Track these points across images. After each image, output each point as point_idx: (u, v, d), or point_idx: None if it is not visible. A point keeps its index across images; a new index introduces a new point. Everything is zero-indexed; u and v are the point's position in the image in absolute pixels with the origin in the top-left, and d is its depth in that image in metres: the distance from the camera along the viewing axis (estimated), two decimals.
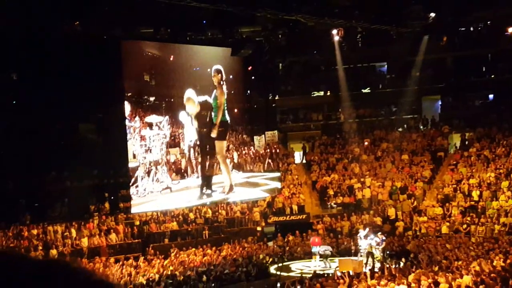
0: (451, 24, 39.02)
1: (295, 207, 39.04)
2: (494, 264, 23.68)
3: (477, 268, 22.68)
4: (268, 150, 35.59)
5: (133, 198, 28.72)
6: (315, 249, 31.78)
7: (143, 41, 31.26)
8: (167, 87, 30.78)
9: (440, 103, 47.40)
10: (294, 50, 39.96)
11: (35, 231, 30.89)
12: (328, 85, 47.14)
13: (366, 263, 29.12)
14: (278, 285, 24.28)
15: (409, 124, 45.96)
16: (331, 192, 40.27)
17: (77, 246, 31.26)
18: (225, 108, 31.35)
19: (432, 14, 36.76)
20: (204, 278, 27.71)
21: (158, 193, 29.42)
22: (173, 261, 30.76)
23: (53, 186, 33.83)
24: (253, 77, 35.91)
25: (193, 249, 33.25)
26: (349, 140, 44.28)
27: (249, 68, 35.14)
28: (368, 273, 24.08)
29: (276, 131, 36.87)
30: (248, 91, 35.62)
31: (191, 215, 36.05)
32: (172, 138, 30.28)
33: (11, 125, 32.15)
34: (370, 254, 29.69)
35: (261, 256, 32.15)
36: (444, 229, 34.82)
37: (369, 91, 47.17)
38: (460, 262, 24.79)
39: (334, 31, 36.56)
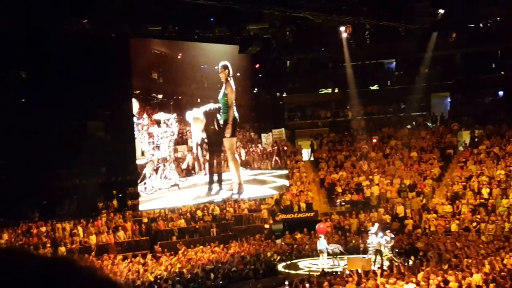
0: (460, 20, 38.80)
1: (303, 205, 38.95)
2: (505, 262, 23.53)
3: (488, 266, 22.54)
4: (276, 147, 35.49)
5: (141, 195, 28.72)
6: (321, 246, 31.63)
7: (151, 39, 31.25)
8: (175, 84, 30.75)
9: (449, 100, 47.21)
10: (302, 47, 39.83)
11: (43, 229, 30.95)
12: (336, 82, 47.04)
13: (374, 261, 28.97)
14: (286, 282, 24.14)
15: (418, 121, 45.78)
16: (339, 189, 40.15)
17: (85, 243, 31.28)
18: (234, 104, 31.26)
19: (441, 11, 36.55)
20: (212, 275, 27.66)
21: (166, 190, 29.40)
22: (180, 258, 30.72)
23: (61, 184, 33.85)
24: (260, 75, 35.79)
25: (201, 246, 33.21)
26: (357, 138, 44.13)
27: (257, 66, 35.03)
28: (379, 271, 23.95)
29: (283, 129, 36.78)
30: (256, 89, 35.50)
31: (199, 213, 36.02)
32: (180, 135, 30.23)
33: (20, 123, 32.14)
34: (378, 252, 29.54)
35: (268, 254, 32.06)
36: (454, 227, 34.63)
37: (377, 88, 47.01)
38: (470, 261, 24.62)
39: (342, 28, 36.40)
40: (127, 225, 33.21)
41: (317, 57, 44.64)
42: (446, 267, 23.72)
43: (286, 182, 36.40)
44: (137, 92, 29.31)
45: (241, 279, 28.22)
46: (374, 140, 44.06)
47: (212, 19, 32.58)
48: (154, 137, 29.03)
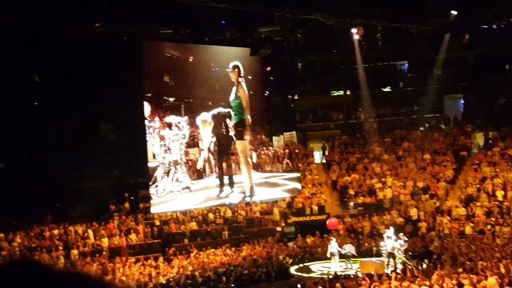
0: (473, 21, 38.56)
1: (315, 207, 38.84)
2: None
3: (503, 269, 22.32)
4: (287, 150, 35.37)
5: (153, 198, 28.66)
6: (333, 249, 31.52)
7: (163, 42, 31.20)
8: (187, 87, 30.69)
9: (462, 101, 46.95)
10: (313, 49, 39.73)
11: (56, 231, 31.01)
12: (348, 84, 46.94)
13: (388, 264, 28.79)
14: (299, 286, 24.05)
15: (431, 123, 45.55)
16: (351, 192, 39.99)
17: (97, 246, 31.30)
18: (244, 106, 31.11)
19: (454, 12, 36.33)
20: (224, 278, 27.58)
21: (177, 193, 29.33)
22: (192, 261, 30.69)
23: (73, 186, 33.92)
24: (271, 77, 35.69)
25: (213, 249, 33.16)
26: (370, 140, 43.96)
27: (268, 69, 34.93)
28: (393, 274, 23.77)
29: (294, 132, 36.66)
30: (267, 91, 35.41)
31: (211, 215, 35.99)
32: (191, 138, 30.17)
33: (32, 126, 32.23)
34: (391, 255, 29.34)
35: (281, 257, 31.95)
36: (468, 230, 34.37)
37: (389, 90, 46.86)
38: (484, 264, 24.38)
39: (354, 30, 36.25)
40: (139, 228, 33.24)
41: (328, 59, 44.55)
42: (460, 270, 23.52)
43: (298, 185, 36.24)
44: (149, 95, 29.28)
45: (253, 282, 28.13)
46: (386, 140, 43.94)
47: (223, 21, 32.49)
48: (165, 140, 28.99)
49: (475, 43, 40.95)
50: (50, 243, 30.04)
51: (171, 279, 27.23)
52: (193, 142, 30.31)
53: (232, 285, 27.37)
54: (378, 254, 30.97)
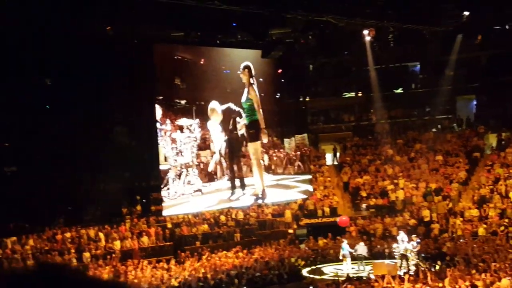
0: (485, 22, 38.37)
1: (327, 209, 38.75)
2: None
3: None
4: (299, 152, 35.33)
5: (165, 201, 28.70)
6: (345, 251, 31.48)
7: (174, 46, 31.25)
8: (198, 90, 30.71)
9: (475, 102, 46.74)
10: (325, 51, 39.65)
11: (68, 234, 31.08)
12: (359, 86, 46.84)
13: (400, 266, 28.71)
14: None
15: (443, 125, 45.38)
16: (363, 194, 39.88)
17: (109, 249, 31.33)
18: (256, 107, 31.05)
19: (466, 13, 36.16)
20: (236, 280, 27.58)
21: (189, 195, 29.35)
22: (204, 263, 30.68)
23: (86, 189, 33.99)
24: (283, 80, 35.67)
25: (225, 251, 33.14)
26: (382, 141, 43.84)
27: (279, 71, 34.91)
28: (406, 276, 23.67)
29: (306, 135, 36.61)
30: (278, 94, 35.38)
31: (222, 218, 35.99)
32: (203, 141, 30.18)
33: (44, 130, 32.35)
34: (404, 256, 29.27)
35: (292, 259, 31.92)
36: (481, 231, 34.19)
37: (401, 91, 46.71)
38: (498, 265, 24.25)
39: (365, 31, 36.16)
40: (151, 231, 33.27)
41: (340, 61, 44.47)
42: (473, 271, 23.41)
43: (309, 187, 36.19)
44: (160, 98, 29.33)
45: (265, 285, 28.15)
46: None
47: (234, 24, 32.49)
48: (177, 142, 29.03)
49: (488, 43, 40.76)
50: (62, 246, 30.13)
51: (183, 282, 27.24)
52: (204, 144, 30.33)
53: (244, 287, 27.36)
54: (391, 256, 30.89)
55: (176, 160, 28.90)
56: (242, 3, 28.51)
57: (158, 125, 28.53)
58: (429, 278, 22.32)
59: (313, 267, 31.46)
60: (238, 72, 30.58)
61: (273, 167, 33.64)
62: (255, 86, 30.73)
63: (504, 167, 38.51)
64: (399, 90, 46.74)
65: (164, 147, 28.70)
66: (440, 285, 21.16)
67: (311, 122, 46.12)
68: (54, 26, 27.56)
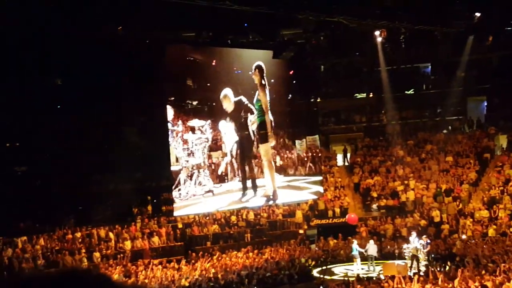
0: (497, 23, 38.27)
1: (337, 210, 38.76)
2: None
3: None
4: (310, 154, 35.38)
5: (176, 201, 28.82)
6: (354, 251, 31.53)
7: (186, 46, 31.34)
8: (209, 91, 30.82)
9: (485, 104, 46.63)
10: (336, 52, 39.68)
11: (78, 234, 31.21)
12: (371, 87, 46.81)
13: (411, 267, 28.73)
14: None
15: (454, 126, 45.33)
16: (374, 194, 39.89)
17: (120, 249, 31.44)
18: (268, 108, 31.10)
19: (477, 14, 36.09)
20: (246, 281, 27.63)
21: (200, 196, 29.45)
22: (215, 264, 30.74)
23: (96, 189, 34.13)
24: (294, 81, 35.72)
25: (235, 252, 33.22)
26: (393, 142, 43.83)
27: (291, 72, 34.97)
28: (416, 277, 23.68)
29: (317, 136, 36.68)
30: (290, 95, 35.43)
31: (233, 218, 36.06)
32: (214, 141, 30.28)
33: (55, 130, 32.52)
34: (415, 257, 29.30)
35: (303, 260, 31.97)
36: (491, 232, 34.18)
37: (412, 92, 46.67)
38: (507, 265, 24.22)
39: (377, 32, 36.16)
40: (161, 231, 33.37)
41: (351, 62, 44.44)
42: (483, 272, 23.39)
43: (320, 188, 36.24)
44: (172, 98, 29.45)
45: (276, 285, 28.19)
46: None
47: (246, 24, 32.57)
48: (188, 143, 29.14)
49: (499, 45, 40.65)
50: (72, 246, 30.26)
51: (193, 282, 27.32)
52: (216, 145, 30.43)
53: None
54: (401, 257, 30.90)
55: (187, 161, 29.02)
56: (254, 4, 28.54)
57: (169, 126, 28.65)
58: (439, 278, 22.32)
59: (324, 268, 31.49)
60: (250, 72, 30.65)
61: (284, 168, 33.72)
62: (266, 88, 30.77)
63: None
64: (410, 91, 46.71)
65: (176, 148, 28.82)
66: (450, 285, 21.15)
67: (322, 123, 46.16)
68: (65, 26, 27.71)
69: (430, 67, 47.75)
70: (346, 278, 26.78)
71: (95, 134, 33.28)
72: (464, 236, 34.25)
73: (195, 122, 29.54)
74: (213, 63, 31.17)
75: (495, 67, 44.83)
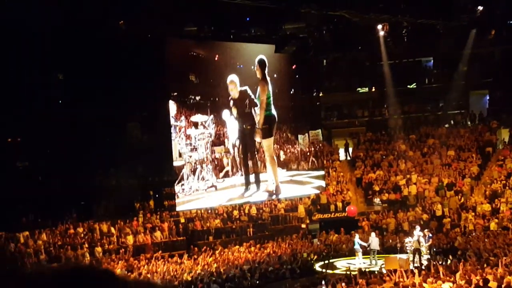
0: (499, 17, 38.19)
1: (339, 204, 38.77)
2: None
3: None
4: (312, 148, 35.37)
5: (179, 196, 28.82)
6: (356, 245, 31.57)
7: (188, 41, 31.28)
8: (212, 86, 30.78)
9: (488, 98, 46.60)
10: (339, 46, 39.57)
11: (81, 229, 31.24)
12: (373, 81, 46.79)
13: (413, 261, 28.76)
14: (323, 282, 24.02)
15: (456, 120, 45.32)
16: (376, 188, 39.91)
17: (122, 243, 31.49)
18: (271, 102, 30.99)
19: (480, 7, 36.02)
20: (249, 275, 27.65)
21: (203, 191, 29.47)
22: (217, 258, 30.77)
23: (99, 184, 34.16)
24: (297, 75, 35.69)
25: (238, 246, 33.26)
26: (395, 136, 43.84)
27: (293, 67, 34.95)
28: (416, 271, 23.70)
29: (319, 130, 36.63)
30: (292, 89, 35.40)
31: (235, 213, 36.10)
32: (217, 136, 30.28)
33: (57, 125, 32.53)
34: (417, 251, 29.32)
35: (305, 254, 32.00)
36: (493, 226, 34.20)
37: (415, 86, 46.65)
38: (509, 259, 24.22)
39: (379, 26, 36.11)
40: (164, 225, 33.40)
41: (354, 56, 44.36)
42: (485, 266, 23.40)
43: (322, 183, 36.25)
44: (175, 94, 29.46)
45: (278, 279, 28.21)
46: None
47: (248, 18, 32.55)
48: (191, 139, 29.14)
49: (501, 38, 40.56)
50: (75, 241, 30.30)
51: (195, 276, 27.35)
52: (218, 140, 30.43)
53: (257, 282, 27.48)
54: (403, 251, 30.93)
55: (190, 156, 29.03)
56: None
57: (172, 121, 28.64)
58: (440, 272, 22.33)
59: (326, 262, 31.52)
60: (253, 67, 30.62)
61: (287, 163, 33.72)
62: (266, 83, 30.64)
63: None
64: (413, 85, 46.69)
65: (179, 143, 28.82)
66: (452, 279, 21.14)
67: (324, 117, 46.15)
68: (66, 21, 27.71)
69: (432, 61, 47.70)
70: (348, 272, 26.81)
71: (97, 129, 33.28)
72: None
73: (198, 117, 29.53)
74: (216, 58, 31.12)
75: (498, 61, 44.77)
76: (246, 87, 30.56)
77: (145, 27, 30.53)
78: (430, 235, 30.83)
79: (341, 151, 44.85)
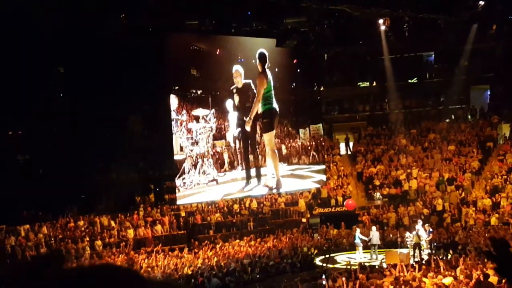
0: (501, 12, 38.15)
1: (340, 199, 38.80)
2: None
3: None
4: (313, 142, 35.36)
5: (180, 190, 28.81)
6: (357, 239, 31.59)
7: (190, 35, 31.25)
8: (213, 80, 30.73)
9: (489, 92, 46.59)
10: (340, 41, 39.55)
11: (81, 223, 31.30)
12: (374, 76, 46.79)
13: (413, 255, 28.79)
14: (324, 276, 24.05)
15: (457, 115, 45.32)
16: (377, 183, 39.94)
17: (123, 237, 31.53)
18: (272, 96, 30.83)
19: (481, 2, 35.98)
20: (249, 269, 27.68)
21: (204, 185, 29.47)
22: (217, 252, 30.80)
23: (99, 178, 34.18)
24: (298, 70, 35.66)
25: (238, 240, 33.29)
26: (396, 131, 43.85)
27: (294, 61, 34.91)
28: (417, 265, 23.74)
29: (320, 125, 36.62)
30: (293, 83, 35.38)
31: (236, 207, 36.13)
32: (218, 130, 30.26)
33: (58, 119, 32.55)
34: (417, 245, 29.35)
35: (305, 248, 32.02)
36: (493, 221, 34.23)
37: (416, 81, 46.63)
38: None
39: (380, 21, 36.10)
40: (164, 219, 33.45)
41: (355, 50, 44.33)
42: (485, 260, 23.42)
43: (323, 177, 36.24)
44: (176, 88, 29.44)
45: (279, 273, 28.22)
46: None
47: (249, 12, 32.52)
48: (192, 133, 29.13)
49: (503, 33, 40.52)
50: (75, 234, 30.35)
51: (196, 270, 27.39)
52: (220, 134, 30.42)
53: (257, 276, 27.48)
54: (403, 245, 30.96)
55: (191, 150, 29.02)
56: None
57: (174, 115, 28.62)
58: (441, 267, 22.36)
59: (326, 256, 31.55)
60: (254, 61, 30.54)
61: (288, 157, 33.70)
62: (265, 77, 30.40)
63: None
64: (414, 80, 46.67)
65: (180, 137, 28.80)
66: (452, 274, 21.17)
67: (325, 111, 46.11)
68: (66, 15, 27.68)
69: (433, 55, 47.65)
70: (348, 267, 26.84)
71: (98, 123, 33.27)
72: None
73: (199, 111, 29.50)
74: (217, 52, 31.07)
75: (499, 56, 44.67)
76: (250, 81, 30.48)
77: (146, 21, 30.51)
78: (431, 229, 30.85)
79: (342, 146, 44.86)
